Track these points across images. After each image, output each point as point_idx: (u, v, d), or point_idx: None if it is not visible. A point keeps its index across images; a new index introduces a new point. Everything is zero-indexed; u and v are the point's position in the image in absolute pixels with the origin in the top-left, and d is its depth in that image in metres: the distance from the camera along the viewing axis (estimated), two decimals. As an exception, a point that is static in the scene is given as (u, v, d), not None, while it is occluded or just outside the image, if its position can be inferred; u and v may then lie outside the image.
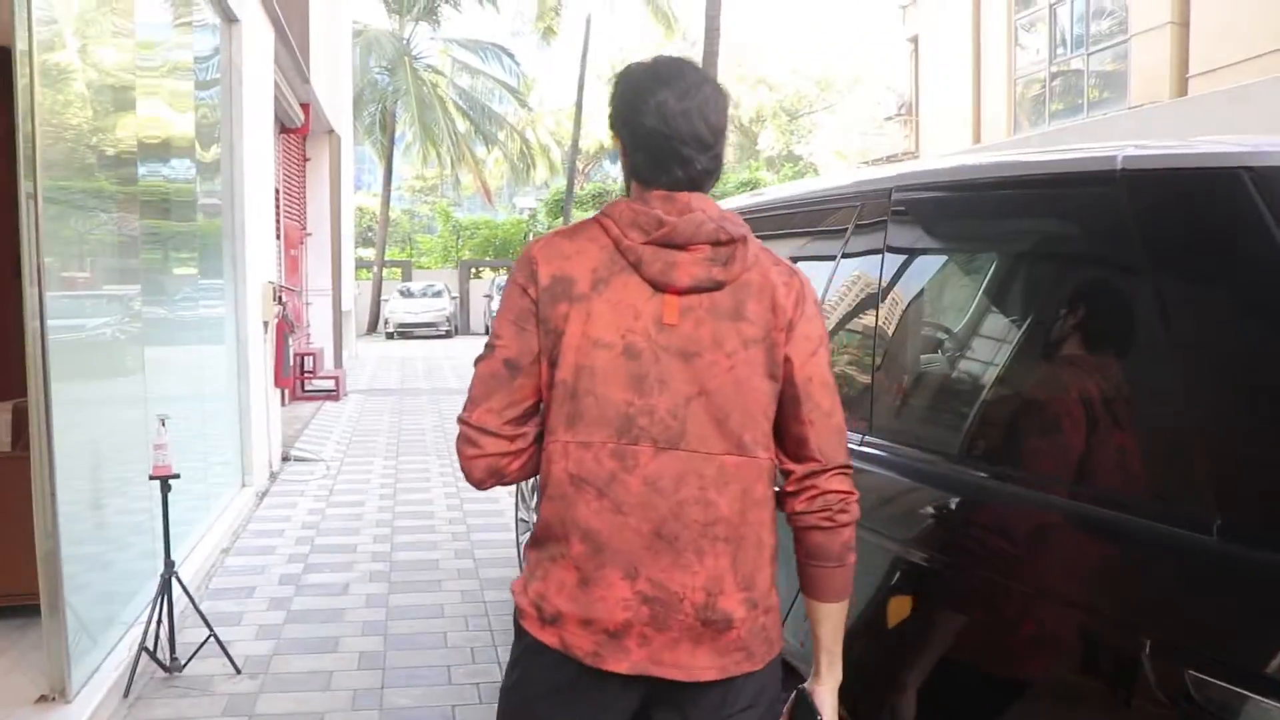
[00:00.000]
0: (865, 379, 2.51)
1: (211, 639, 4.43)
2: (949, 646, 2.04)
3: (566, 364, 1.74)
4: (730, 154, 48.40)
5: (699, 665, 1.74)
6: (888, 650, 2.16)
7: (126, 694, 4.10)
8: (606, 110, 1.90)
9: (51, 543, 3.79)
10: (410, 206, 50.70)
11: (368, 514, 7.19)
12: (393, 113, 33.27)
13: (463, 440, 1.82)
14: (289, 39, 9.42)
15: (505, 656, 4.48)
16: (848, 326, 2.62)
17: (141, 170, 5.25)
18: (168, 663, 4.30)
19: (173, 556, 4.35)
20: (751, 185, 36.43)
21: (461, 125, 34.34)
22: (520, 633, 1.83)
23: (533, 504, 5.29)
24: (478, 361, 1.83)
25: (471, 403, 1.81)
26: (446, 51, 35.82)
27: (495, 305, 29.03)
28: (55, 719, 3.74)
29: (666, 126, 1.77)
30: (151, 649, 4.24)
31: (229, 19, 7.25)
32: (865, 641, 2.14)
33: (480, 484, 1.85)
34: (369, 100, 32.42)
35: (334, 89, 15.62)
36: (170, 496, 4.30)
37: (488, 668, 4.44)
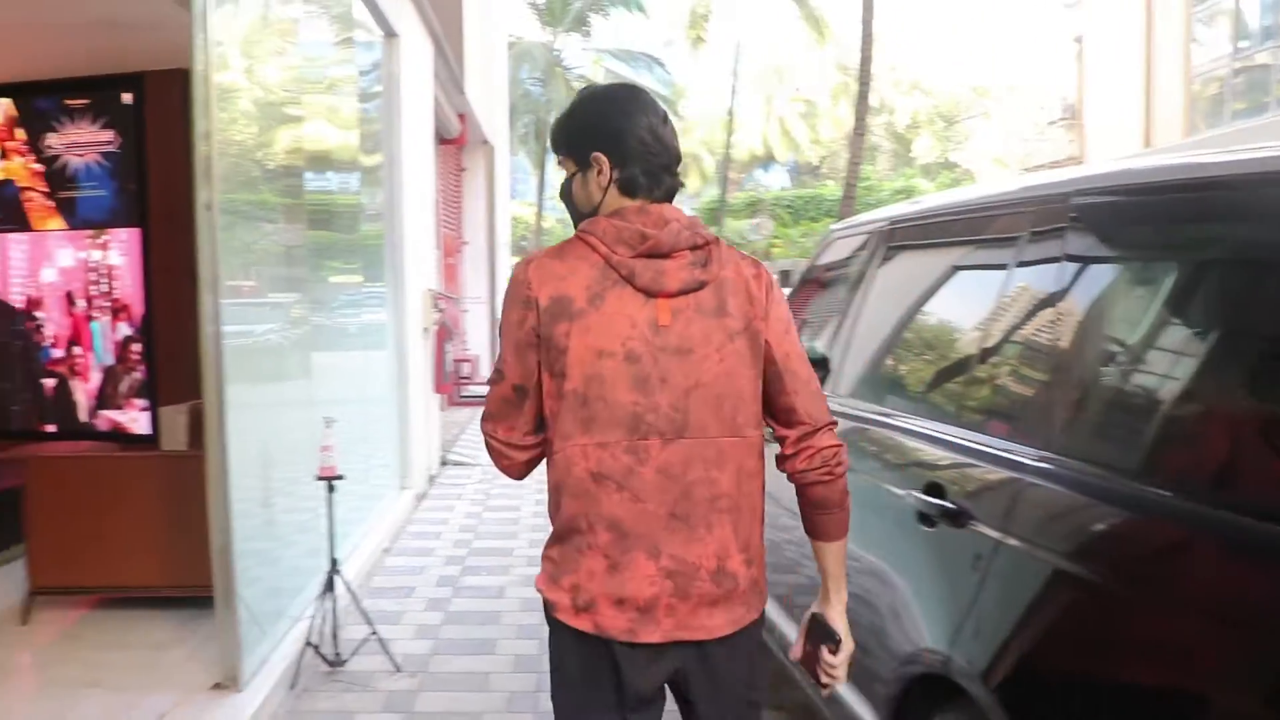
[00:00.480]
0: (1042, 391, 2.34)
1: (373, 637, 4.57)
2: (1132, 675, 1.89)
3: (575, 375, 1.94)
4: (885, 161, 47.73)
5: (716, 624, 1.98)
6: (1064, 677, 2.03)
7: (293, 686, 4.26)
8: (570, 127, 2.09)
9: (225, 538, 3.97)
10: (564, 215, 51.19)
11: (523, 519, 7.31)
12: (546, 123, 33.82)
13: (494, 453, 2.09)
14: (446, 52, 9.66)
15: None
16: (1023, 337, 2.45)
17: (307, 182, 5.46)
18: (331, 658, 4.46)
19: (336, 555, 4.50)
20: (907, 193, 35.72)
21: (614, 134, 34.63)
22: (555, 626, 2.03)
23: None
24: (491, 383, 2.05)
25: (491, 420, 2.07)
26: (598, 62, 36.24)
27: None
28: (228, 706, 3.91)
29: (658, 145, 2.02)
30: (316, 644, 4.40)
31: (389, 34, 7.48)
32: (1039, 667, 2.05)
33: (521, 478, 2.16)
34: (523, 111, 33.05)
35: (489, 100, 15.93)
36: (334, 497, 4.46)
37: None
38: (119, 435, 8.30)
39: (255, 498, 4.61)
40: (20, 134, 8.67)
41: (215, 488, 3.96)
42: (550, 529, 2.09)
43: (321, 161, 6.02)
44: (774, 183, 49.87)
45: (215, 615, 4.05)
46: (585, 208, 2.09)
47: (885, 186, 39.18)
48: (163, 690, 4.05)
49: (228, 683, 4.04)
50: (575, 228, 2.10)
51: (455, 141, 13.85)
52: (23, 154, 8.69)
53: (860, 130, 21.80)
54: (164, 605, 4.93)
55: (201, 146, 3.83)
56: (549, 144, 2.22)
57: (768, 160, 48.47)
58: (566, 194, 2.15)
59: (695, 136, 44.21)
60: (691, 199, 46.62)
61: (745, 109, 33.91)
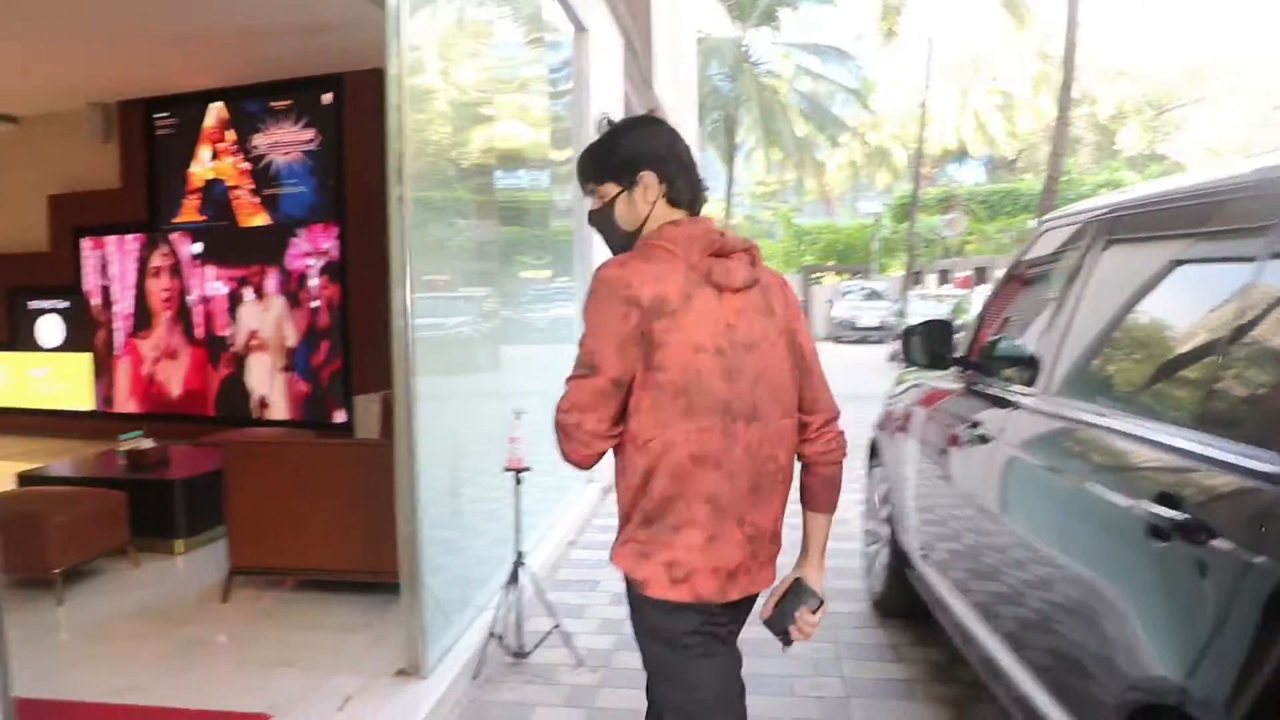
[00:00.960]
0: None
1: (556, 630, 4.54)
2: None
3: (674, 369, 2.14)
4: (1086, 154, 45.67)
5: (766, 579, 2.34)
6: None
7: (475, 675, 4.26)
8: (613, 153, 2.29)
9: (411, 527, 3.99)
10: (751, 212, 51.11)
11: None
12: (734, 119, 33.69)
13: (575, 442, 2.18)
14: (634, 46, 9.63)
15: (849, 672, 4.35)
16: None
17: (498, 179, 5.48)
18: (514, 649, 4.45)
19: (522, 547, 4.49)
20: (1111, 187, 34.12)
21: (802, 130, 34.24)
22: (642, 602, 2.25)
23: (882, 515, 5.11)
24: (580, 378, 2.17)
25: (581, 411, 2.16)
26: (787, 56, 35.87)
27: (837, 310, 28.99)
28: (412, 692, 3.94)
29: (691, 162, 2.31)
30: (500, 635, 4.40)
31: (579, 28, 7.49)
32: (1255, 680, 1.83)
33: (586, 469, 2.23)
34: (711, 107, 32.97)
35: (678, 96, 15.91)
36: (521, 489, 4.44)
37: (829, 681, 4.29)
38: (318, 423, 8.67)
39: (443, 487, 4.64)
40: (230, 135, 9.11)
41: (403, 477, 3.99)
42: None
43: (512, 159, 6.06)
44: (967, 178, 48.46)
45: (401, 602, 4.08)
46: (630, 225, 2.31)
47: (1087, 180, 37.47)
48: (349, 673, 4.12)
49: (411, 670, 4.07)
50: (613, 248, 2.35)
51: (644, 137, 13.84)
52: (232, 154, 9.12)
53: (1064, 119, 20.84)
54: (354, 590, 5.04)
55: (394, 143, 3.85)
56: (579, 177, 2.38)
57: (961, 155, 47.13)
58: (605, 217, 2.33)
59: (886, 131, 43.30)
60: (881, 195, 45.73)
61: (939, 102, 32.90)
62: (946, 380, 4.27)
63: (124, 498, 5.56)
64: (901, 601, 4.79)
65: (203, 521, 5.87)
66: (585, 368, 2.16)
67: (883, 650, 4.59)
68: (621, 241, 2.32)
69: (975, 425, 3.47)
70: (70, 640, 4.67)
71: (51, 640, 4.65)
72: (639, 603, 2.26)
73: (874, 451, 5.39)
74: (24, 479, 6.15)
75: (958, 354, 4.15)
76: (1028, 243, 4.00)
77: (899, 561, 4.66)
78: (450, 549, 4.72)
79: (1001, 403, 3.43)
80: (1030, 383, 3.25)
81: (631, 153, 2.27)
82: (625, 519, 2.26)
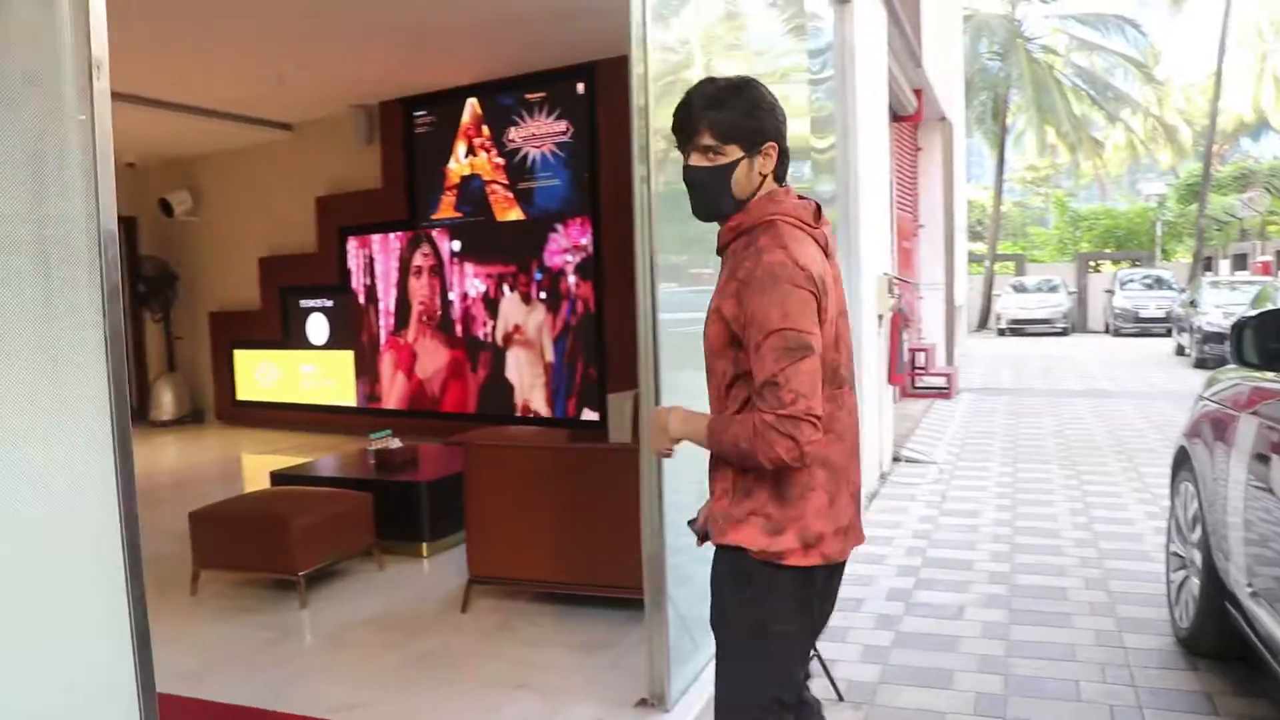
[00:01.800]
0: None
1: (814, 657, 4.04)
2: None
3: (828, 340, 2.20)
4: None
5: (859, 534, 2.38)
6: None
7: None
8: (750, 117, 2.21)
9: (658, 542, 3.63)
10: (1021, 199, 48.92)
11: (983, 526, 6.52)
12: (1005, 99, 31.98)
13: (809, 428, 2.08)
14: (900, 20, 9.01)
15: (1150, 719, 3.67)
16: None
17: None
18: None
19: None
20: None
21: (1078, 108, 32.16)
22: (776, 574, 2.22)
23: (1192, 539, 4.37)
24: (795, 364, 2.07)
25: (805, 396, 2.08)
26: (1061, 29, 33.72)
27: (1117, 301, 27.09)
28: (652, 728, 3.56)
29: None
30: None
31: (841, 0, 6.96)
32: None
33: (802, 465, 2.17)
34: (979, 88, 31.41)
35: (946, 74, 15.03)
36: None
37: (1134, 732, 3.64)
38: (572, 422, 8.49)
39: (693, 491, 4.23)
40: (485, 130, 9.07)
41: (648, 483, 3.64)
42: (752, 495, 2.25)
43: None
44: (1265, 153, 44.61)
45: (645, 624, 3.71)
46: (742, 194, 2.24)
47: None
48: (586, 701, 3.78)
49: (654, 700, 3.68)
50: (709, 216, 2.29)
51: (911, 118, 13.18)
52: (488, 150, 9.08)
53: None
54: (599, 603, 4.71)
55: (638, 122, 3.51)
56: (694, 125, 2.20)
57: (1259, 127, 43.30)
58: (720, 179, 2.21)
59: (1170, 104, 40.22)
60: (1165, 175, 42.61)
61: (1233, 69, 30.20)
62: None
63: (370, 499, 5.46)
64: (1218, 640, 4.07)
65: (449, 524, 5.69)
66: (801, 349, 2.09)
67: (1194, 699, 3.86)
68: (727, 207, 2.25)
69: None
70: (308, 647, 4.56)
71: (292, 646, 4.54)
72: (770, 575, 2.23)
73: (1180, 463, 4.63)
74: (276, 478, 6.17)
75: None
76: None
77: (1217, 594, 3.95)
78: (700, 558, 4.31)
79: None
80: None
81: (763, 119, 2.21)
82: (746, 493, 2.24)
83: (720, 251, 2.31)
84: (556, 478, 4.63)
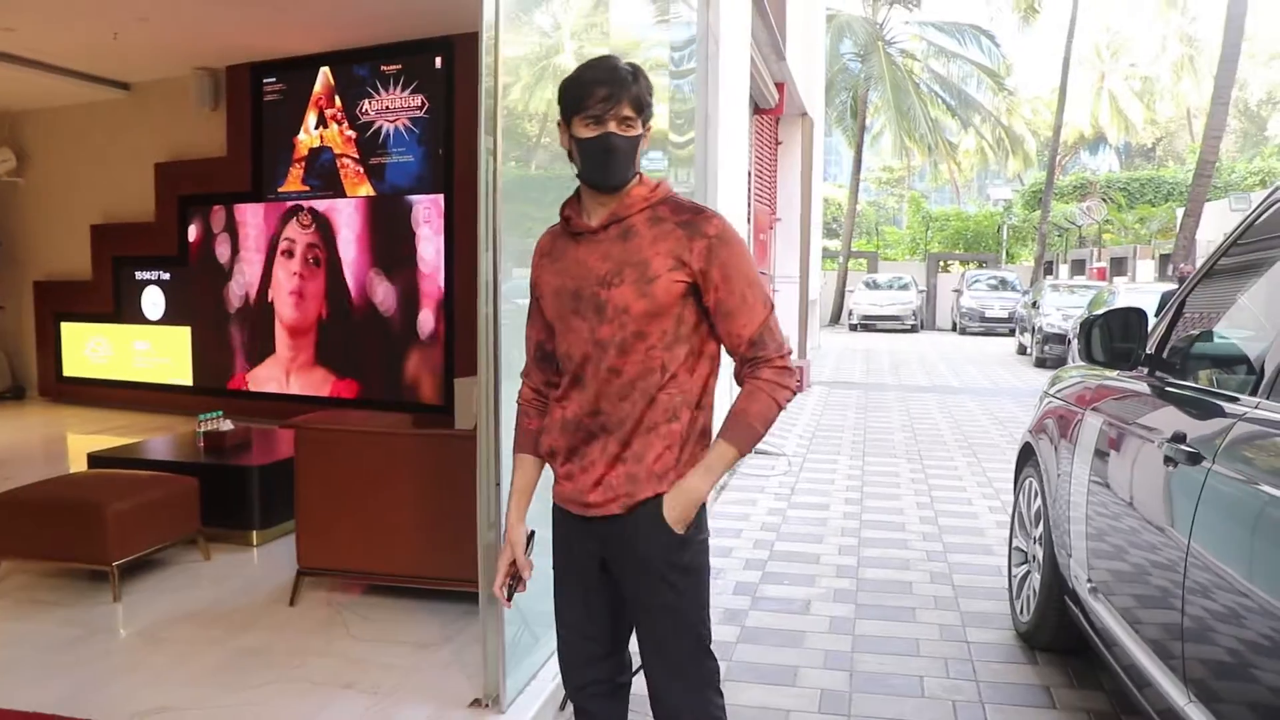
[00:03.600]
0: None
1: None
2: None
3: None
4: (1230, 142, 43.24)
5: None
6: None
7: (562, 707, 3.66)
8: (649, 94, 2.25)
9: (494, 534, 3.41)
10: (875, 198, 50.10)
11: (832, 519, 6.51)
12: (864, 99, 32.61)
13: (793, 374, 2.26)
14: (765, 11, 8.98)
15: (994, 715, 3.66)
16: None
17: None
18: (612, 675, 3.83)
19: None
20: (1264, 176, 32.30)
21: (934, 112, 33.04)
22: (703, 523, 2.40)
23: (1035, 534, 4.41)
24: (771, 315, 2.27)
25: (786, 341, 2.30)
26: (920, 36, 34.57)
27: (964, 300, 27.87)
28: (485, 731, 3.37)
29: None
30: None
31: (705, -19, 6.85)
32: None
33: None
34: (840, 87, 31.99)
35: (808, 70, 15.17)
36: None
37: (974, 730, 3.61)
38: (417, 406, 8.21)
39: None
40: (338, 102, 8.70)
41: (485, 471, 3.43)
42: None
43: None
44: (1101, 165, 46.71)
45: (480, 618, 3.52)
46: (632, 173, 2.25)
47: (1238, 167, 35.49)
48: (417, 700, 3.56)
49: (488, 700, 3.48)
50: (618, 184, 2.24)
51: (772, 112, 13.22)
52: (339, 122, 8.71)
53: (1224, 99, 19.23)
54: (439, 597, 4.48)
55: (486, 101, 3.31)
56: (614, 96, 2.17)
57: (1096, 141, 45.36)
58: (630, 154, 2.21)
59: (1018, 115, 41.68)
60: (1011, 183, 44.17)
61: (1075, 86, 31.41)
62: (1123, 381, 3.58)
63: (195, 484, 5.09)
64: (1058, 635, 4.12)
65: (282, 511, 5.32)
66: (769, 304, 2.27)
67: (1034, 693, 3.89)
68: (630, 177, 2.24)
69: (1179, 439, 2.72)
70: (119, 645, 4.17)
71: (99, 644, 4.13)
72: (702, 525, 2.37)
73: (1025, 458, 4.67)
74: (93, 460, 5.73)
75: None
76: (1242, 221, 3.23)
77: (1057, 588, 3.99)
78: (544, 550, 4.14)
79: (1212, 411, 2.70)
80: (1253, 389, 2.53)
81: (652, 105, 2.27)
82: (698, 445, 2.30)
83: (613, 221, 2.27)
84: (393, 465, 4.37)
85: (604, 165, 2.21)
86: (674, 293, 2.20)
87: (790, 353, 2.27)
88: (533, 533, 2.43)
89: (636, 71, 2.22)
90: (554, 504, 2.42)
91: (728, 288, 2.20)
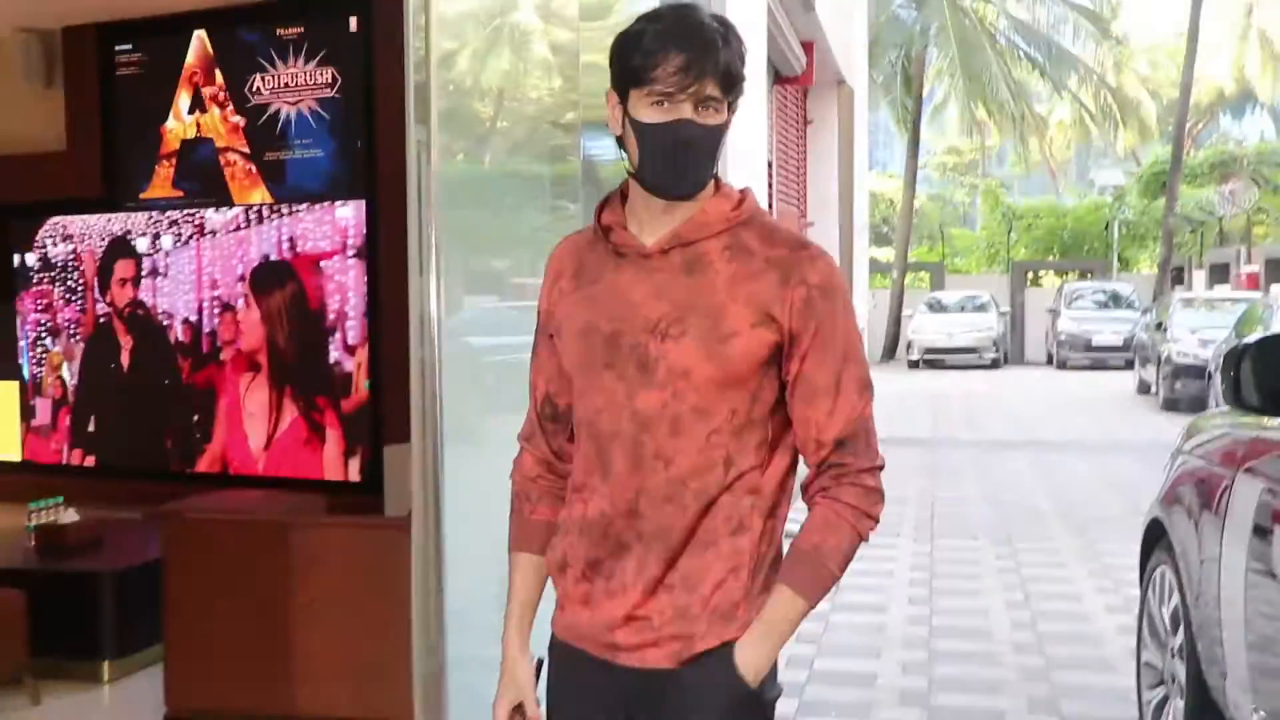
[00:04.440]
0: None
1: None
2: None
3: None
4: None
5: None
6: None
7: None
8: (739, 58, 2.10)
9: (435, 661, 3.54)
10: (940, 191, 50.49)
11: (891, 626, 6.57)
12: (921, 60, 32.86)
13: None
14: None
15: None
16: None
17: (589, 144, 5.25)
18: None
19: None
20: None
21: (1016, 72, 33.24)
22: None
23: (1172, 644, 4.42)
24: (869, 407, 2.16)
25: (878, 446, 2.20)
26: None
27: (1064, 324, 28.07)
28: None
29: None
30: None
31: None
32: None
33: None
34: (889, 45, 32.21)
35: (845, 24, 15.32)
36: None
37: None
38: (326, 484, 8.20)
39: (486, 588, 4.07)
40: (219, 78, 8.76)
41: (423, 573, 3.54)
42: None
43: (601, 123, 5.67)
44: (1249, 134, 47.02)
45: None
46: (709, 176, 2.15)
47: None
48: None
49: None
50: (690, 191, 2.11)
51: (799, 81, 13.34)
52: (222, 104, 8.77)
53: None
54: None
55: (416, 76, 3.48)
56: (699, 65, 2.01)
57: (1241, 101, 45.57)
58: (714, 144, 2.11)
59: (1131, 70, 42.00)
60: (1122, 163, 44.49)
61: (1209, 27, 31.77)
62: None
63: (21, 599, 5.07)
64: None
65: (145, 633, 5.34)
66: (869, 390, 2.17)
67: None
68: (699, 183, 2.11)
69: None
70: None
71: None
72: (774, 677, 2.22)
73: (1154, 540, 4.70)
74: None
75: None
76: None
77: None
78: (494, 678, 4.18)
79: None
80: None
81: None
82: (771, 570, 2.17)
83: (676, 245, 2.12)
84: (297, 566, 4.47)
85: (674, 164, 2.07)
86: (756, 359, 2.07)
87: (883, 465, 2.16)
88: (540, 661, 2.27)
89: (728, 30, 2.07)
90: (555, 637, 2.25)
91: (819, 359, 2.07)
